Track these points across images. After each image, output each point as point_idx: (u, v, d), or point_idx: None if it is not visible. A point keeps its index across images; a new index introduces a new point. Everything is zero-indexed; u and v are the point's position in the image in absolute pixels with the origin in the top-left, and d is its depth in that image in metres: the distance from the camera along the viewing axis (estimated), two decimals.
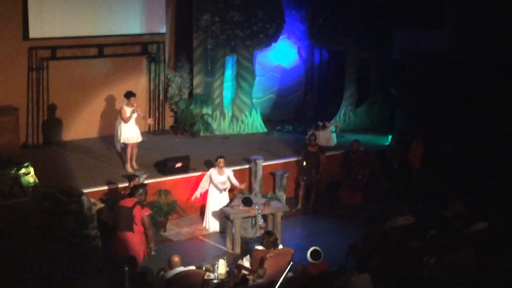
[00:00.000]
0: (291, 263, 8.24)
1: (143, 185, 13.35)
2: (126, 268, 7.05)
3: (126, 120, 15.77)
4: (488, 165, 17.56)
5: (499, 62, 18.63)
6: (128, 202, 12.72)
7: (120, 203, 12.95)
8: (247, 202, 14.73)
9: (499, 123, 18.32)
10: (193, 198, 15.80)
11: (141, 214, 12.55)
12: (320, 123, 18.97)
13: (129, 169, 15.95)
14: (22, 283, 12.21)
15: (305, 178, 16.72)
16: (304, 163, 16.61)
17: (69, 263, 12.92)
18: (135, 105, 15.87)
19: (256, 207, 14.67)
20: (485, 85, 18.45)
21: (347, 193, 16.85)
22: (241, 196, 15.20)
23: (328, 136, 18.83)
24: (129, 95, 15.93)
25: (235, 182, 15.54)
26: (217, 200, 15.35)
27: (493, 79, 18.39)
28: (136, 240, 12.62)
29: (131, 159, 16.18)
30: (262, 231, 14.12)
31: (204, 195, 15.61)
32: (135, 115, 15.82)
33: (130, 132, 15.91)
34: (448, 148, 17.97)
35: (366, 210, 16.71)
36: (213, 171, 15.38)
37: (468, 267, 11.41)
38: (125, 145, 16.11)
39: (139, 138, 16.12)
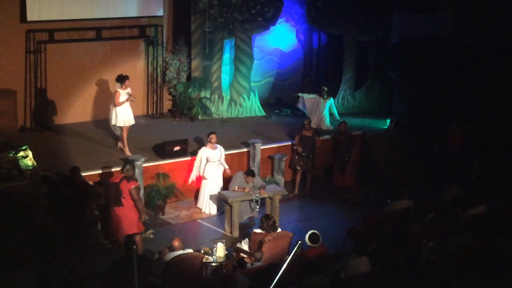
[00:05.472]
0: (299, 242, 8.20)
1: (130, 161, 13.48)
2: (134, 246, 7.06)
3: (117, 105, 15.64)
4: (486, 148, 17.58)
5: (497, 45, 18.60)
6: (116, 178, 12.98)
7: (110, 180, 13.22)
8: (251, 172, 14.89)
9: (497, 107, 18.32)
10: (190, 181, 15.81)
11: (128, 187, 12.68)
12: (325, 88, 18.97)
13: (128, 152, 15.93)
14: (21, 265, 12.23)
15: (301, 163, 16.69)
16: (300, 149, 16.56)
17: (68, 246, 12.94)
18: (129, 88, 15.76)
19: (253, 192, 14.65)
20: (483, 69, 18.43)
21: (338, 176, 16.82)
22: (240, 175, 15.10)
23: (320, 118, 18.79)
24: (122, 79, 15.77)
25: (223, 161, 15.60)
26: (212, 183, 15.38)
27: (491, 62, 18.38)
28: (125, 214, 12.76)
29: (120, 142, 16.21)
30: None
31: (200, 178, 15.62)
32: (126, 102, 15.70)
33: (120, 115, 15.75)
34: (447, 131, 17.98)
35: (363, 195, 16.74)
36: (205, 149, 15.42)
37: (466, 251, 11.43)
38: (121, 129, 16.07)
39: (129, 122, 15.94)
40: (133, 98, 15.82)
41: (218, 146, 15.54)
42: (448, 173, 17.07)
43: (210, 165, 15.40)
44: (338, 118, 18.95)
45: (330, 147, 17.02)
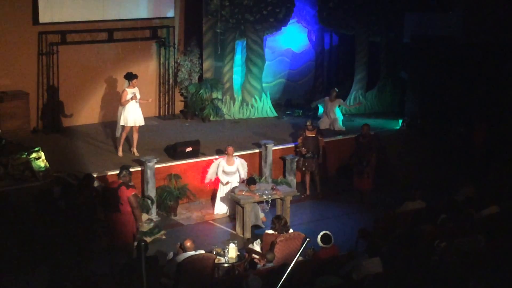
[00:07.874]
0: (308, 239, 8.18)
1: (126, 167, 13.45)
2: (143, 244, 7.10)
3: (123, 103, 15.66)
4: (499, 149, 17.50)
5: (510, 45, 18.53)
6: (113, 184, 12.93)
7: (108, 185, 13.22)
8: (251, 180, 14.78)
9: (510, 107, 18.25)
10: (207, 180, 15.79)
11: (127, 194, 12.66)
12: (336, 90, 18.97)
13: (120, 154, 15.99)
14: (30, 267, 12.26)
15: (306, 164, 16.64)
16: (304, 150, 16.51)
17: (79, 247, 12.96)
18: (136, 88, 15.75)
19: (265, 192, 14.64)
20: (495, 69, 18.36)
21: (356, 178, 16.81)
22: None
23: (333, 119, 18.76)
24: (131, 77, 15.77)
25: (243, 175, 15.49)
26: (226, 188, 15.35)
27: (504, 62, 18.31)
28: (123, 220, 12.73)
29: (131, 145, 16.20)
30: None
31: (217, 179, 15.60)
32: (133, 101, 15.63)
33: (129, 115, 15.73)
34: (459, 132, 17.90)
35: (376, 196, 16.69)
36: (222, 161, 15.38)
37: (479, 251, 11.39)
38: (122, 128, 16.03)
39: (139, 122, 15.90)
40: (136, 98, 15.69)
41: (237, 160, 15.46)
42: (465, 173, 16.97)
43: (226, 174, 15.41)
44: (342, 126, 18.86)
45: (352, 148, 17.04)
